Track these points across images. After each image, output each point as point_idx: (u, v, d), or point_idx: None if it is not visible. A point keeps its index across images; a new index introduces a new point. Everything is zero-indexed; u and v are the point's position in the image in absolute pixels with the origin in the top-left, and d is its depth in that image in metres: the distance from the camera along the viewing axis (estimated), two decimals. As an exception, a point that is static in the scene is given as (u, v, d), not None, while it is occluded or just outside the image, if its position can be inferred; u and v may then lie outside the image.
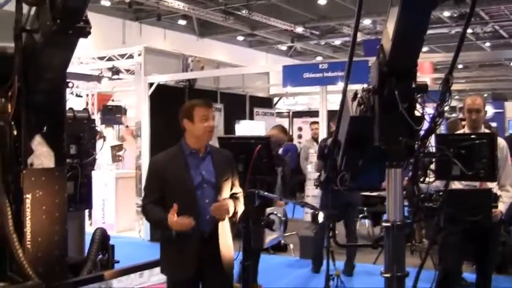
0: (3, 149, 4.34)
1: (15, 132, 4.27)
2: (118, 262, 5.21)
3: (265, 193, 6.13)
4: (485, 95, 24.51)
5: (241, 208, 4.93)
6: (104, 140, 6.12)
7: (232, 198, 4.86)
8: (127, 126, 16.52)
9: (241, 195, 4.97)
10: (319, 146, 10.29)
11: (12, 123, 4.26)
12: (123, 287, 4.63)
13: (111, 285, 4.51)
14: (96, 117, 15.89)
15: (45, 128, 4.42)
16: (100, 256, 4.99)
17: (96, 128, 6.08)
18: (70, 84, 4.71)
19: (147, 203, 4.70)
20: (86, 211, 6.01)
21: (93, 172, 5.72)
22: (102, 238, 5.02)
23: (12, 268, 4.29)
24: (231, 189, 4.90)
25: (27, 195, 4.24)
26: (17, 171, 4.31)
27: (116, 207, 13.73)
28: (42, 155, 4.37)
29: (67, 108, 4.96)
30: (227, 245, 4.80)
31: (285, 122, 24.10)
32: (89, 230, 5.38)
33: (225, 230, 4.81)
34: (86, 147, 5.52)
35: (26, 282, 4.06)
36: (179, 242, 4.57)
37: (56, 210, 4.38)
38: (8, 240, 4.13)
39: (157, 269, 4.83)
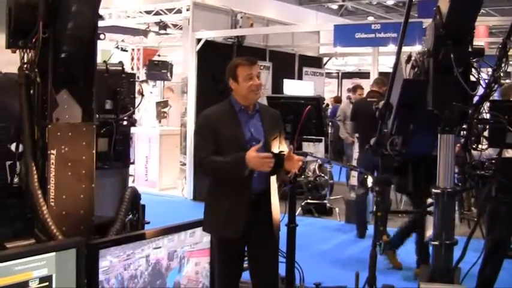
0: (30, 102, 4.16)
1: (38, 80, 4.08)
2: (148, 223, 5.06)
3: (313, 154, 5.96)
4: (542, 62, 23.84)
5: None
6: (143, 96, 5.88)
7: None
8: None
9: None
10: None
11: (36, 71, 4.07)
12: (173, 247, 4.50)
13: (159, 245, 4.35)
14: (142, 72, 15.84)
15: (73, 80, 4.22)
16: (130, 216, 4.85)
17: (137, 82, 5.85)
18: (102, 36, 4.49)
19: (207, 155, 4.45)
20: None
21: (135, 129, 5.52)
22: (133, 197, 4.85)
23: (38, 226, 4.15)
24: (278, 148, 4.69)
25: (52, 151, 4.06)
26: (44, 125, 4.13)
27: (159, 165, 13.69)
28: (69, 110, 4.20)
29: (101, 61, 4.78)
30: (276, 205, 4.67)
31: (334, 83, 23.93)
32: (132, 188, 5.22)
33: (274, 191, 4.67)
34: (124, 102, 5.32)
35: (49, 241, 3.93)
36: (228, 201, 4.47)
37: (82, 168, 4.20)
38: (33, 197, 3.99)
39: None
